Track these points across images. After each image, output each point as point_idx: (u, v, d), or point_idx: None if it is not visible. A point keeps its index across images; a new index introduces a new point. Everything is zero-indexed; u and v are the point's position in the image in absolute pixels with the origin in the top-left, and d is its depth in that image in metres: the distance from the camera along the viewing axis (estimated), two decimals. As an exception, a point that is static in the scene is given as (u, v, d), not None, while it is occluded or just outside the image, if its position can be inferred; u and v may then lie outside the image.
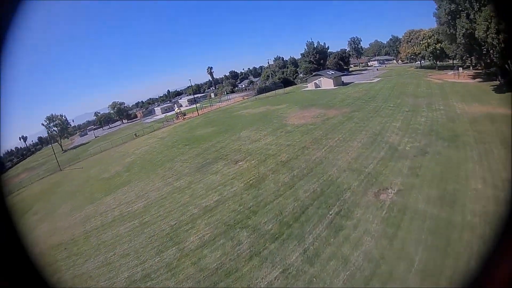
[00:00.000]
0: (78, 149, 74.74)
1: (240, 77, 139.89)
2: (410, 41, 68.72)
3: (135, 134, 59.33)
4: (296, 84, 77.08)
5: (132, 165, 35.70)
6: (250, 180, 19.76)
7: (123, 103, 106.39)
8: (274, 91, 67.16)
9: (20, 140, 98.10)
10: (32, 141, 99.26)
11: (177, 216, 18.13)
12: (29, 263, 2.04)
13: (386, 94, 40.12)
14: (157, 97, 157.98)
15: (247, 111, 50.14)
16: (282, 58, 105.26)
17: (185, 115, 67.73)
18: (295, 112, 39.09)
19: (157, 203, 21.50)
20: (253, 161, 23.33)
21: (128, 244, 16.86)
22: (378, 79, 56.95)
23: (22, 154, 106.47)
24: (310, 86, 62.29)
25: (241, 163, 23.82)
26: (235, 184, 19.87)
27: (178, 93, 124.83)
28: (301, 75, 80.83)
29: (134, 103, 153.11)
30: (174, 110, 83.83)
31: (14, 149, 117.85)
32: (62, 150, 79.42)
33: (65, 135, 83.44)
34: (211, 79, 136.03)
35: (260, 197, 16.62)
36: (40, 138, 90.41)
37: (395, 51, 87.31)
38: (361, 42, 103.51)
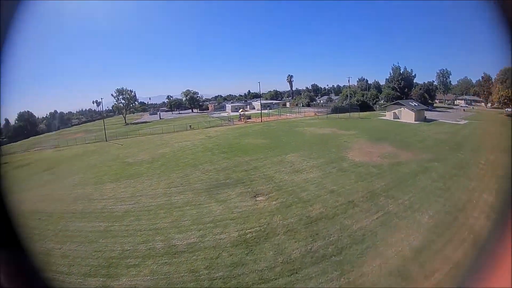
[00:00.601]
0: (138, 126, 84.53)
1: (321, 92, 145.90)
2: (505, 82, 64.50)
3: (189, 126, 63.86)
4: (374, 110, 77.25)
5: (159, 159, 36.69)
6: (250, 231, 15.62)
7: (196, 93, 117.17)
8: (348, 113, 67.76)
9: (93, 103, 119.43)
10: (107, 107, 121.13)
11: (135, 243, 16.25)
12: (29, 263, 2.17)
13: (476, 144, 34.74)
14: (237, 95, 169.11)
15: (311, 130, 49.00)
16: (366, 80, 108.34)
17: (249, 118, 70.17)
18: (361, 144, 36.31)
19: (137, 214, 20.23)
20: (274, 202, 18.96)
21: (76, 246, 16.83)
22: (465, 121, 54.20)
23: (91, 116, 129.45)
24: (388, 115, 60.99)
25: (259, 198, 19.81)
26: (229, 229, 16.58)
27: (256, 95, 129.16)
28: (382, 101, 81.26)
29: (215, 96, 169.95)
30: (245, 109, 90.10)
31: (87, 110, 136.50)
32: (125, 122, 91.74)
33: (131, 109, 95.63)
34: (290, 88, 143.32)
35: (238, 270, 11.67)
36: (113, 107, 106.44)
37: (485, 92, 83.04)
38: (450, 76, 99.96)
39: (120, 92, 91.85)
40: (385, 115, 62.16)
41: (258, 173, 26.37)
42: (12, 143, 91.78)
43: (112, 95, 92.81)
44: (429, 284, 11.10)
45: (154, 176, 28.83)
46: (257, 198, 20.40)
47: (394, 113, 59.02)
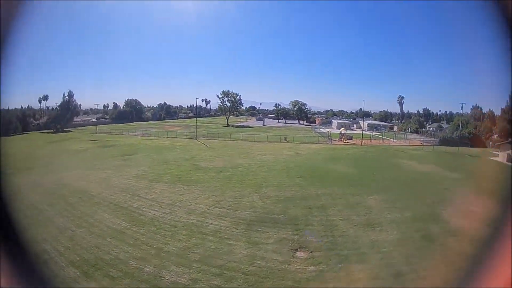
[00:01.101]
0: (237, 129, 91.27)
1: (432, 118, 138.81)
2: None
3: (284, 138, 65.26)
4: (486, 146, 70.01)
5: (229, 169, 36.36)
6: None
7: (304, 104, 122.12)
8: (457, 147, 61.76)
9: (202, 101, 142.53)
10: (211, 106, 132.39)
11: (130, 257, 15.79)
12: (29, 263, 2.37)
13: None
14: (349, 111, 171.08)
15: (410, 164, 43.89)
16: (481, 108, 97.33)
17: (350, 138, 68.30)
18: (464, 197, 28.41)
19: (159, 226, 19.78)
20: (312, 267, 15.33)
21: (85, 235, 18.12)
22: None
23: (199, 112, 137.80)
24: (501, 156, 52.41)
25: (299, 254, 16.66)
26: (230, 285, 13.53)
27: (367, 114, 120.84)
28: (495, 136, 73.90)
29: (326, 110, 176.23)
30: (350, 127, 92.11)
31: (194, 106, 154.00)
32: (227, 124, 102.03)
33: (235, 112, 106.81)
34: (400, 110, 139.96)
35: None
36: (218, 107, 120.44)
37: None
38: None
39: (225, 94, 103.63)
40: (497, 156, 55.00)
41: (321, 215, 22.37)
42: (113, 124, 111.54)
43: (217, 96, 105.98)
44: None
45: (210, 188, 28.48)
46: (297, 253, 16.38)
47: (509, 154, 51.19)
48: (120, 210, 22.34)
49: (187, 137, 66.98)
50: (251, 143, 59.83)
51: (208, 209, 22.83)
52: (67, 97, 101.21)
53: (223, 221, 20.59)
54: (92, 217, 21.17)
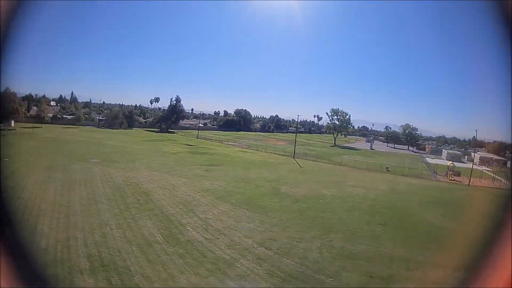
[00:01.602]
0: (342, 150, 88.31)
1: None
2: None
3: (386, 168, 60.77)
4: None
5: (306, 201, 32.15)
6: None
7: (415, 129, 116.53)
8: None
9: (314, 117, 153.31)
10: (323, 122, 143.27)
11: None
12: (29, 263, 2.46)
13: None
14: (462, 139, 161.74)
15: None
16: None
17: (457, 175, 59.24)
18: None
19: (163, 254, 18.28)
20: None
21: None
22: None
23: (309, 128, 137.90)
24: None
25: None
26: None
27: (480, 144, 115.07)
28: None
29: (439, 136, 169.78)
30: (461, 160, 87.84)
31: (308, 121, 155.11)
32: (334, 143, 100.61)
33: (343, 131, 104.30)
34: None
35: None
36: (327, 125, 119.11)
37: None
38: None
39: (334, 112, 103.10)
40: None
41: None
42: (219, 131, 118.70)
43: (327, 113, 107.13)
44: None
45: (273, 220, 25.25)
46: None
47: None
48: (165, 223, 21.88)
49: (285, 154, 66.08)
50: (349, 169, 55.44)
51: (253, 247, 19.80)
52: (174, 102, 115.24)
53: (257, 267, 17.29)
54: (136, 222, 21.42)
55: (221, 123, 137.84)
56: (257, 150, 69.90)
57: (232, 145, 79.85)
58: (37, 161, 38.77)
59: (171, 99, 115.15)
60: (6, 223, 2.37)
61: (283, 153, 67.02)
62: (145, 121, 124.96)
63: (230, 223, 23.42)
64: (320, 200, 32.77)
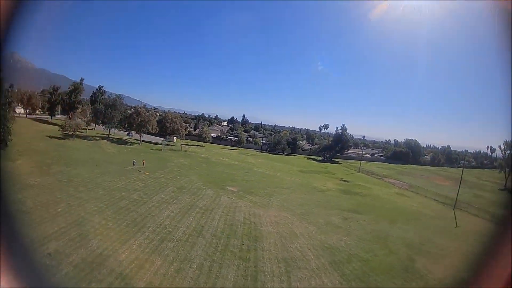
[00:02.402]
0: None
1: None
2: None
3: None
4: None
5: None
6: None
7: None
8: None
9: (487, 149, 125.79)
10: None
11: None
12: (29, 263, 2.51)
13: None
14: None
15: None
16: None
17: None
18: None
19: None
20: None
21: None
22: None
23: (481, 162, 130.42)
24: None
25: None
26: None
27: None
28: None
29: None
30: None
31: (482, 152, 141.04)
32: (504, 186, 79.87)
33: None
34: None
35: None
36: (498, 161, 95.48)
37: None
38: None
39: (508, 145, 79.26)
40: None
41: None
42: (385, 163, 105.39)
43: (499, 146, 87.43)
44: None
45: None
46: None
47: None
48: (248, 280, 19.14)
49: (445, 202, 52.00)
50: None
51: None
52: (340, 130, 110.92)
53: None
54: (219, 268, 19.81)
55: (389, 154, 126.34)
56: (417, 193, 58.57)
57: (392, 183, 69.95)
58: (174, 180, 43.25)
59: (337, 127, 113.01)
60: (6, 224, 2.39)
61: (443, 200, 53.17)
62: (310, 148, 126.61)
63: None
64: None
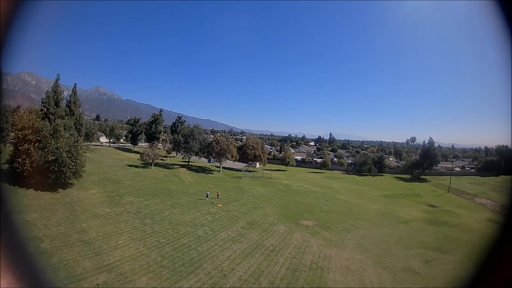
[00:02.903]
0: None
1: None
2: None
3: None
4: None
5: None
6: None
7: None
8: None
9: None
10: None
11: None
12: (29, 263, 2.48)
13: None
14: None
15: None
16: None
17: None
18: None
19: None
20: None
21: None
22: None
23: None
24: None
25: None
26: None
27: None
28: None
29: None
30: None
31: None
32: None
33: None
34: None
35: None
36: None
37: None
38: None
39: None
40: None
41: None
42: (477, 176, 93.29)
43: None
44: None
45: None
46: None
47: None
48: None
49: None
50: None
51: None
52: (427, 144, 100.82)
53: None
54: None
55: (480, 165, 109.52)
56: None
57: (483, 204, 59.48)
58: (247, 213, 40.91)
59: (424, 142, 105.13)
60: (6, 224, 2.34)
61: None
62: (397, 165, 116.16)
63: None
64: None
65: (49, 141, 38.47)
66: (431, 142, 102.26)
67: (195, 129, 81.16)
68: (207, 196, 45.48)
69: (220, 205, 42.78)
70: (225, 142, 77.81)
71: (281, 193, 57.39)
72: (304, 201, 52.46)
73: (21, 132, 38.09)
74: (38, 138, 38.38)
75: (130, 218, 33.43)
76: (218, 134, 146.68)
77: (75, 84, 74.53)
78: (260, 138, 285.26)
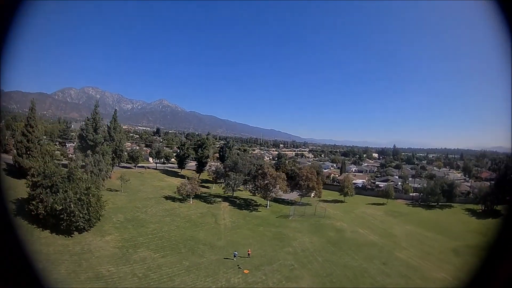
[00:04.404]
0: None
1: None
2: None
3: None
4: None
5: None
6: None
7: None
8: None
9: None
10: None
11: None
12: (27, 263, 2.52)
13: None
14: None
15: None
16: None
17: None
18: None
19: None
20: None
21: None
22: None
23: None
24: None
25: None
26: None
27: None
28: None
29: None
30: None
31: None
32: None
33: None
34: None
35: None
36: None
37: None
38: None
39: None
40: None
41: None
42: None
43: None
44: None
45: None
46: None
47: None
48: None
49: None
50: None
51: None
52: (503, 168, 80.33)
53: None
54: None
55: None
56: None
57: None
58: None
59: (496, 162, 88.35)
60: (4, 224, 2.44)
61: None
62: (469, 190, 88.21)
63: None
64: None
65: (62, 185, 36.59)
66: (507, 167, 76.60)
67: (240, 160, 75.15)
68: (234, 256, 38.08)
69: (247, 272, 34.73)
70: (273, 175, 68.01)
71: (329, 247, 46.02)
72: (355, 264, 40.15)
73: (31, 179, 37.31)
74: (50, 184, 36.54)
75: (134, 283, 28.94)
76: (267, 160, 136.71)
77: (116, 110, 75.92)
78: (322, 151, 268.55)
